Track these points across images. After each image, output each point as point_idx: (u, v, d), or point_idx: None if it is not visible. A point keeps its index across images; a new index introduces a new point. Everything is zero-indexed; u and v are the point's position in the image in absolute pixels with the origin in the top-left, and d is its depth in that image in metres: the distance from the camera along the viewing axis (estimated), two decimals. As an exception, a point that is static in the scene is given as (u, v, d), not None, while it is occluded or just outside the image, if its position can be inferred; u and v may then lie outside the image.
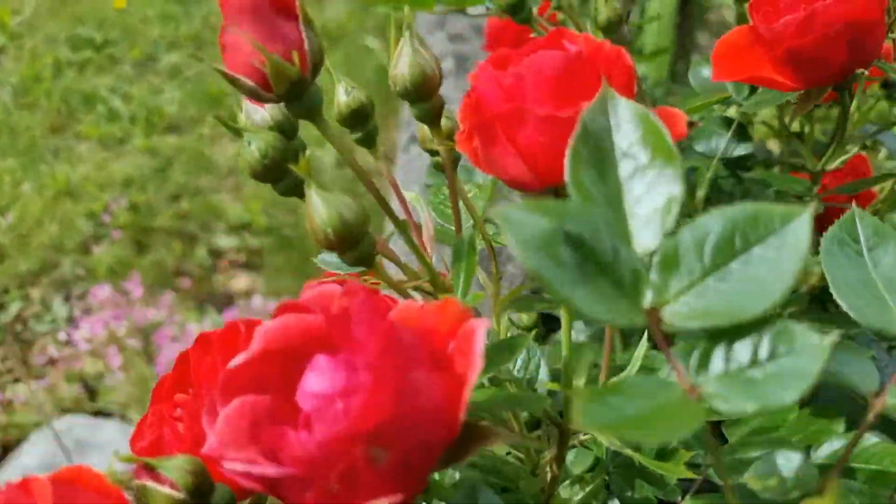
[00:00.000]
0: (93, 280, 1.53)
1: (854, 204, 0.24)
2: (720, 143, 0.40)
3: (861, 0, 0.29)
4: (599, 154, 0.19)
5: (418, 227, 0.30)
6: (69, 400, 1.37)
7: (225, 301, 1.59)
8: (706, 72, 0.41)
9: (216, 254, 1.65)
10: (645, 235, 0.18)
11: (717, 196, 0.41)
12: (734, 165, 0.42)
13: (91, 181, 1.74)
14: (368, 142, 0.29)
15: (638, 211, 0.18)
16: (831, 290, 0.22)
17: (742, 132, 0.41)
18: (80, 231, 1.62)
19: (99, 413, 1.36)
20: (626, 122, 0.19)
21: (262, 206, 1.71)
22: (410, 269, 0.28)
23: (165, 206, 1.72)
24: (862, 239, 0.23)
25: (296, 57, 0.25)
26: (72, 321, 1.46)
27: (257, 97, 0.26)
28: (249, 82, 0.26)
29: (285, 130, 0.29)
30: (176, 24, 2.17)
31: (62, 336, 1.40)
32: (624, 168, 0.19)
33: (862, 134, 0.41)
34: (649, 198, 0.18)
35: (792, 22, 0.30)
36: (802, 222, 0.17)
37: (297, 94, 0.26)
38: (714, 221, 0.18)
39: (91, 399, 1.37)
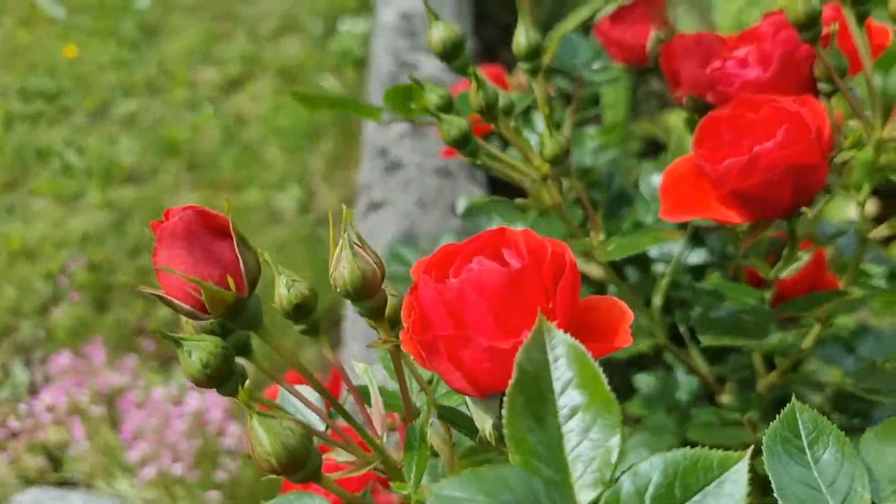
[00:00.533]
0: (53, 343, 1.50)
1: (794, 398, 0.24)
2: (675, 248, 0.40)
3: (802, 144, 0.29)
4: (538, 396, 0.18)
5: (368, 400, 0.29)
6: (33, 471, 1.34)
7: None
8: (656, 181, 0.40)
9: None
10: (586, 492, 0.18)
11: (673, 302, 0.41)
12: (690, 272, 0.42)
13: (47, 240, 1.70)
14: (313, 332, 0.29)
15: (578, 464, 0.18)
16: (776, 494, 0.21)
17: (697, 237, 0.41)
18: (37, 293, 1.58)
19: (64, 483, 1.33)
20: (562, 359, 0.19)
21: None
22: (361, 452, 0.27)
23: (125, 261, 1.69)
24: (803, 434, 0.23)
25: (231, 282, 0.25)
26: (33, 388, 1.43)
27: (196, 318, 0.25)
28: (185, 306, 0.25)
29: (227, 329, 0.28)
30: (130, 71, 2.14)
31: (23, 407, 1.37)
32: (562, 413, 0.18)
33: (818, 234, 0.42)
34: (589, 447, 0.18)
35: (735, 165, 0.30)
36: (739, 473, 0.17)
37: (235, 313, 0.25)
38: (654, 469, 0.18)
39: (55, 469, 1.34)
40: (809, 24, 0.31)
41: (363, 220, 0.79)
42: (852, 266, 0.38)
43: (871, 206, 1.61)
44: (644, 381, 0.53)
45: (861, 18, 0.33)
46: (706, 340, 0.34)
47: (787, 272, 0.38)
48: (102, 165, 1.86)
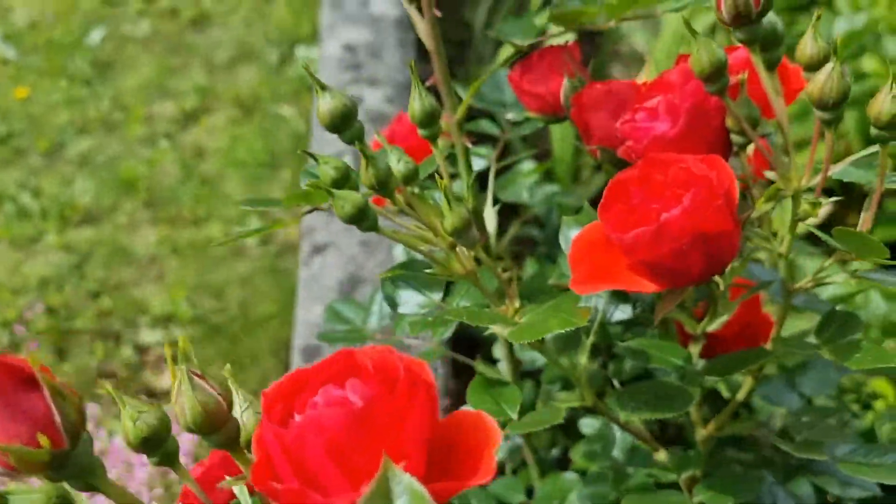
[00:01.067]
0: (11, 396, 1.45)
1: None
2: (599, 304, 0.38)
3: (710, 212, 0.27)
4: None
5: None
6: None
7: (160, 400, 1.52)
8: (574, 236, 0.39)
9: (142, 351, 1.59)
10: None
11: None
12: (621, 325, 0.40)
13: (4, 287, 1.66)
14: (167, 462, 0.26)
15: None
16: None
17: (621, 293, 0.39)
18: (-6, 343, 1.54)
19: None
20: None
21: (187, 294, 1.66)
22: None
23: (85, 305, 1.65)
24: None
25: (44, 439, 0.22)
26: (-9, 443, 1.38)
27: (14, 477, 0.23)
28: (-1, 468, 0.23)
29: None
30: (83, 108, 2.11)
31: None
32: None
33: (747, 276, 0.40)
34: None
35: (642, 235, 0.28)
36: None
37: (58, 466, 0.23)
38: None
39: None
40: (715, 76, 0.29)
41: (307, 265, 0.77)
42: (778, 320, 0.37)
43: (823, 209, 1.61)
44: (588, 426, 0.51)
45: (772, 65, 0.32)
46: (625, 416, 0.32)
47: (714, 326, 0.36)
48: (58, 207, 1.82)
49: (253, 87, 2.18)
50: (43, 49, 2.26)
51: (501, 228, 0.52)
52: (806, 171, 0.32)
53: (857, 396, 0.69)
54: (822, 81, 0.29)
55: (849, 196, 1.68)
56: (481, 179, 0.59)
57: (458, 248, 0.33)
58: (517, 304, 0.35)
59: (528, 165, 0.60)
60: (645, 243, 0.27)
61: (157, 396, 1.52)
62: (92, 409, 1.41)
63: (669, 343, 0.39)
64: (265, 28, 2.41)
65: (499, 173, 0.57)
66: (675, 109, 0.31)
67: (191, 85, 2.19)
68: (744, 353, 0.39)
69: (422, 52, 2.00)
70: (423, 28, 0.42)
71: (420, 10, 0.41)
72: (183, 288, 1.67)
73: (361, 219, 0.31)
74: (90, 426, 1.37)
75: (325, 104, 0.32)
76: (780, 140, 0.33)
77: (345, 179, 0.32)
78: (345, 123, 0.33)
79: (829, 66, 0.29)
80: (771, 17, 0.31)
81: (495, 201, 0.51)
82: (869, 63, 1.43)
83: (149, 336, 1.61)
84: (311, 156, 0.33)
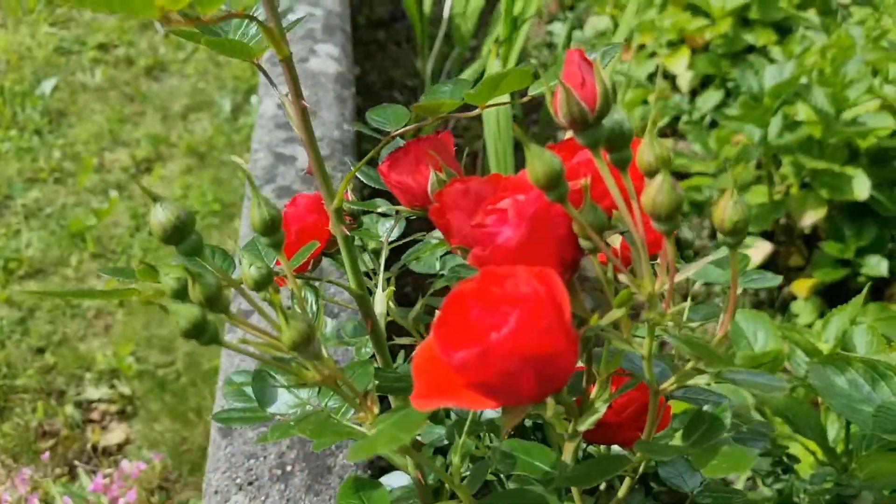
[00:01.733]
0: (-53, 458, 1.40)
1: None
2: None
3: (536, 334, 0.27)
4: None
5: None
6: None
7: (102, 457, 1.48)
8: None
9: (86, 408, 1.55)
10: None
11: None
12: (487, 428, 0.39)
13: (-58, 344, 1.62)
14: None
15: None
16: None
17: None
18: (-70, 405, 1.49)
19: None
20: None
21: (133, 349, 1.62)
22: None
23: (29, 362, 1.61)
24: None
25: None
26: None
27: None
28: None
29: None
30: (33, 159, 2.08)
31: None
32: None
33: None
34: None
35: (469, 358, 0.27)
36: None
37: None
38: None
39: None
40: (552, 184, 0.29)
41: (215, 455, 0.74)
42: (648, 423, 0.36)
43: (760, 251, 1.63)
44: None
45: (622, 163, 0.32)
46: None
47: (586, 426, 0.36)
48: (2, 260, 1.79)
49: (207, 135, 2.18)
50: (-6, 98, 2.24)
51: (413, 300, 0.51)
52: (660, 273, 0.32)
53: (775, 459, 0.69)
54: (652, 195, 0.28)
55: (790, 237, 1.71)
56: (398, 251, 0.59)
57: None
58: (376, 410, 0.34)
59: (437, 235, 0.60)
60: (472, 365, 0.27)
61: (101, 454, 1.48)
62: (28, 472, 1.37)
63: (537, 445, 0.38)
64: (220, 77, 2.41)
65: (413, 244, 0.57)
66: (521, 214, 0.31)
67: (144, 134, 2.18)
68: (606, 459, 0.38)
69: (369, 105, 2.02)
70: (294, 120, 0.41)
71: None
72: (130, 342, 1.64)
73: (199, 333, 0.31)
74: (26, 489, 1.33)
75: (156, 217, 0.31)
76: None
77: (184, 290, 0.31)
78: (178, 236, 0.32)
79: (658, 179, 0.29)
80: (616, 116, 0.31)
81: (406, 274, 0.50)
82: (803, 110, 1.46)
83: (93, 392, 1.57)
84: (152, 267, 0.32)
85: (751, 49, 1.93)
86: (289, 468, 0.71)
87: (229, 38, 0.44)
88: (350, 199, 0.54)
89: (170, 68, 2.48)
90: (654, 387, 0.35)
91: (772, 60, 1.74)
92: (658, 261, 0.35)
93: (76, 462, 1.46)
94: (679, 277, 0.31)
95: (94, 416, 1.56)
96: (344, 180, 0.41)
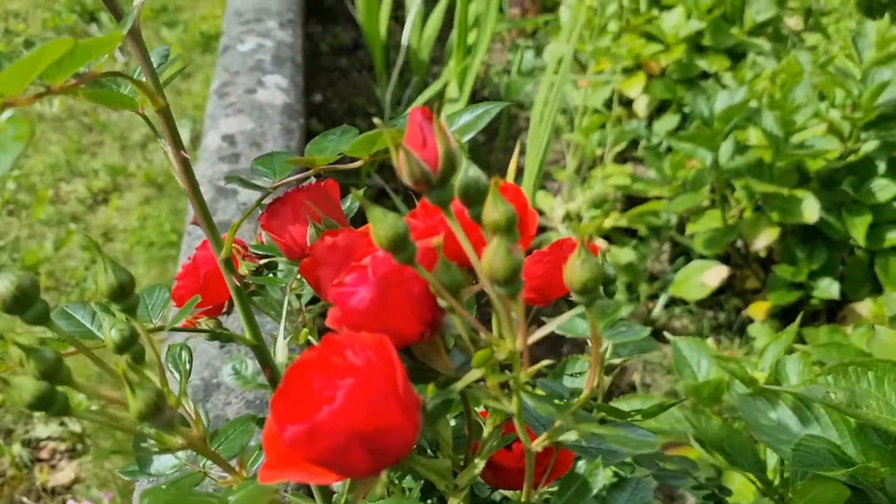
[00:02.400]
0: None
1: None
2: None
3: (366, 408, 0.26)
4: None
5: None
6: None
7: (50, 497, 1.45)
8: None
9: (35, 447, 1.51)
10: None
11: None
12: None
13: None
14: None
15: None
16: None
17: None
18: None
19: None
20: None
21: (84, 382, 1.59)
22: None
23: (-26, 400, 1.57)
24: None
25: None
26: None
27: None
28: None
29: None
30: (-13, 191, 2.05)
31: None
32: None
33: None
34: None
35: (298, 434, 0.26)
36: None
37: None
38: None
39: None
40: (398, 247, 0.28)
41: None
42: (525, 489, 0.35)
43: (716, 274, 1.64)
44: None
45: (480, 220, 0.31)
46: None
47: (466, 482, 0.35)
48: (-48, 296, 1.75)
49: (165, 165, 2.16)
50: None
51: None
52: (519, 331, 0.31)
53: (706, 493, 0.68)
54: (488, 259, 0.27)
55: (746, 260, 1.72)
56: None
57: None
58: (245, 474, 0.33)
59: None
60: (301, 442, 0.26)
61: (50, 494, 1.44)
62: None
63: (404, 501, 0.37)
64: (180, 105, 2.40)
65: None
66: (374, 274, 0.30)
67: (102, 164, 2.15)
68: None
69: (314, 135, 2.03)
70: (175, 169, 0.40)
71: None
72: (81, 379, 1.60)
73: (46, 405, 0.29)
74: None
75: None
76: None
77: (131, 342, 0.30)
78: (20, 307, 0.31)
79: (493, 244, 0.28)
80: (471, 173, 0.30)
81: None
82: (754, 134, 1.47)
83: (42, 430, 1.53)
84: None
85: (705, 75, 1.95)
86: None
87: (109, 92, 0.43)
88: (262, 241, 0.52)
89: (130, 97, 2.46)
90: (526, 444, 0.33)
91: (724, 86, 1.76)
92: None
93: (24, 501, 1.42)
94: (537, 335, 0.30)
95: (44, 454, 1.52)
96: (230, 231, 0.40)
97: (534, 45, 2.60)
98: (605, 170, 1.90)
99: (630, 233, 1.97)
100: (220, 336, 0.44)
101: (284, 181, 0.41)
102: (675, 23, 1.93)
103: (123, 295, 0.33)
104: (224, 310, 0.56)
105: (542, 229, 2.04)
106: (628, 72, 2.00)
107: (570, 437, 0.33)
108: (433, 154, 0.28)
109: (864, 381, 0.54)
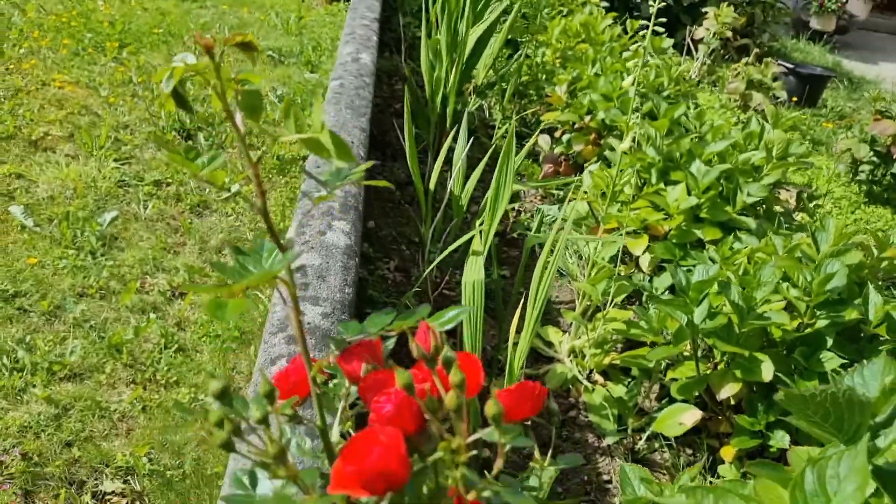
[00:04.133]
0: (-21, 531, 1.65)
1: None
2: None
3: (384, 462, 0.57)
4: None
5: None
6: None
7: (107, 544, 1.72)
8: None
9: (101, 499, 1.80)
10: None
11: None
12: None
13: (-12, 431, 1.90)
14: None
15: None
16: None
17: None
18: (-28, 483, 1.76)
19: None
20: None
21: (148, 451, 1.90)
22: None
23: (58, 454, 1.88)
24: None
25: None
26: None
27: None
28: None
29: None
30: (86, 276, 2.43)
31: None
32: None
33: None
34: None
35: (353, 470, 0.57)
36: None
37: None
38: None
39: None
40: (407, 388, 0.60)
41: None
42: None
43: (691, 417, 1.90)
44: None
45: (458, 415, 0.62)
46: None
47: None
48: (48, 362, 2.09)
49: (235, 268, 2.53)
50: (58, 221, 2.62)
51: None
52: (464, 433, 0.61)
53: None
54: (449, 400, 0.59)
55: (720, 407, 1.98)
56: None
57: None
58: (314, 495, 0.63)
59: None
60: (354, 474, 0.56)
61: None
62: (49, 549, 1.61)
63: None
64: (255, 219, 2.80)
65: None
66: (396, 398, 0.61)
67: (182, 262, 2.53)
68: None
69: (379, 254, 2.39)
70: (293, 324, 0.73)
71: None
72: (146, 444, 1.91)
73: (227, 447, 0.61)
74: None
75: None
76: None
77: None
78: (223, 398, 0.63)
79: (451, 393, 0.59)
80: (447, 354, 0.61)
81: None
82: (726, 302, 1.77)
83: (109, 485, 1.83)
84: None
85: (701, 242, 2.28)
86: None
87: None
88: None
89: (212, 206, 2.88)
90: (465, 493, 0.64)
91: (712, 258, 2.07)
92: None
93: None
94: (471, 439, 0.61)
95: (108, 506, 1.81)
96: (315, 366, 0.72)
97: (563, 197, 2.97)
98: (607, 315, 2.21)
99: (626, 371, 2.25)
100: (300, 419, 0.76)
101: (354, 338, 0.73)
102: (677, 196, 2.27)
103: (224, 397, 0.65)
104: (300, 403, 0.88)
105: (549, 360, 2.34)
106: (636, 234, 2.34)
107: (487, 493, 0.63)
108: (428, 345, 0.60)
109: (707, 500, 0.83)
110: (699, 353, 1.93)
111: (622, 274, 2.25)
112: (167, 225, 2.73)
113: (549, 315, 2.56)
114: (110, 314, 2.32)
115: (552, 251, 1.76)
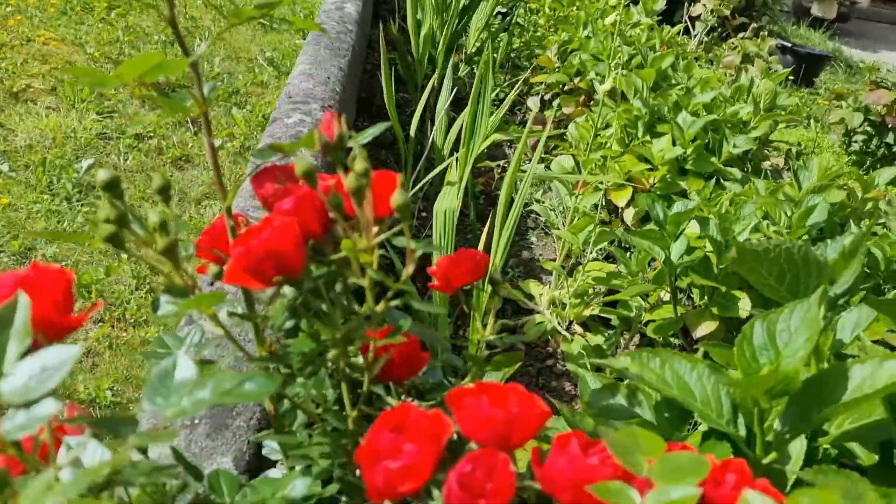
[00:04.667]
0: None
1: None
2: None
3: (274, 242, 0.52)
4: None
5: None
6: None
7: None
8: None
9: (61, 430, 1.76)
10: None
11: None
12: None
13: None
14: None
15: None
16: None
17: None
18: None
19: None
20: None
21: (111, 384, 1.85)
22: None
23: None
24: None
25: None
26: None
27: None
28: None
29: None
30: (59, 221, 2.39)
31: None
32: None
33: None
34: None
35: (240, 251, 0.53)
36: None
37: None
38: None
39: None
40: (308, 178, 0.55)
41: None
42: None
43: None
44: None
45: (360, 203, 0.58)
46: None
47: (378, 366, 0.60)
48: (16, 301, 2.05)
49: (213, 218, 2.49)
50: (34, 167, 2.58)
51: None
52: (369, 227, 0.57)
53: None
54: (349, 182, 0.54)
55: (692, 346, 1.92)
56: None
57: None
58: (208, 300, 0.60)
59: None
60: (241, 256, 0.52)
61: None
62: None
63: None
64: (237, 173, 2.76)
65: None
66: (295, 194, 0.57)
67: (160, 211, 2.49)
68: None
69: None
70: (207, 151, 0.68)
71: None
72: (110, 378, 1.87)
73: (113, 241, 0.57)
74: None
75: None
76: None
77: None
78: (112, 190, 0.59)
79: (351, 175, 0.55)
80: (358, 165, 0.57)
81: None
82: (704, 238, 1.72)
83: (69, 418, 1.79)
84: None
85: (685, 193, 2.23)
86: (196, 421, 0.93)
87: (169, 99, 0.72)
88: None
89: (194, 160, 2.84)
90: (371, 304, 0.59)
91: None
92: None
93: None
94: (379, 238, 0.57)
95: (67, 440, 1.77)
96: (233, 189, 0.67)
97: (550, 159, 2.93)
98: (587, 265, 2.16)
99: (606, 323, 2.20)
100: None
101: (272, 161, 0.69)
102: (662, 147, 2.23)
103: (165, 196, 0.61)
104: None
105: (529, 312, 2.29)
106: (620, 186, 2.30)
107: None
108: (332, 133, 0.56)
109: (653, 362, 0.78)
110: (678, 298, 1.88)
111: (604, 222, 2.20)
112: (147, 177, 2.69)
113: (532, 272, 2.52)
114: (83, 256, 2.28)
115: (522, 170, 1.71)
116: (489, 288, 1.29)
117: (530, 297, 2.32)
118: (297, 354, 0.60)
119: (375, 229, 0.57)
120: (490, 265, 0.92)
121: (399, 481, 0.47)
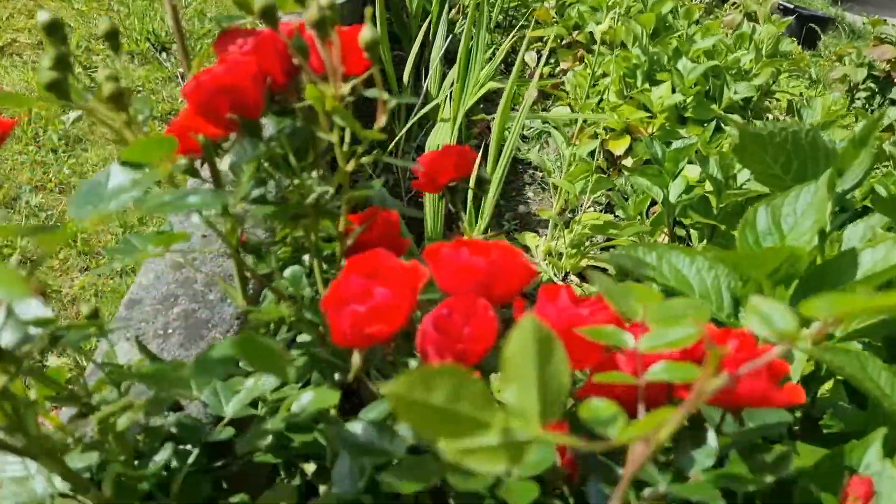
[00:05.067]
0: None
1: None
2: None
3: (229, 77, 0.47)
4: None
5: None
6: None
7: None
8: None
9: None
10: None
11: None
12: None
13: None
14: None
15: None
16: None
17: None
18: None
19: None
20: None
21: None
22: None
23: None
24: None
25: None
26: None
27: None
28: None
29: None
30: (45, 171, 2.34)
31: None
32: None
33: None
34: None
35: (190, 86, 0.47)
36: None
37: None
38: None
39: None
40: (269, 18, 0.50)
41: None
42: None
43: None
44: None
45: (324, 38, 0.52)
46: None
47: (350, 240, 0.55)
48: (-1, 251, 2.01)
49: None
50: (20, 119, 2.52)
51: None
52: (336, 80, 0.52)
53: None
54: (309, 16, 0.49)
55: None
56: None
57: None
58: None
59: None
60: (192, 93, 0.47)
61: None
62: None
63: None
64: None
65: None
66: (255, 37, 0.52)
67: (147, 163, 2.43)
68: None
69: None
70: (168, 14, 0.63)
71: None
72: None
73: (55, 89, 0.51)
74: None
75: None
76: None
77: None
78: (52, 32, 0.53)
79: (311, 8, 0.50)
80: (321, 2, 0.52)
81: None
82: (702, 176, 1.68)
83: (54, 362, 1.74)
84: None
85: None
86: (170, 331, 0.89)
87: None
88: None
89: (183, 115, 2.78)
90: (340, 153, 0.54)
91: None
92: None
93: None
94: (346, 88, 0.52)
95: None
96: (199, 54, 0.62)
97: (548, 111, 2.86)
98: (584, 216, 2.11)
99: (603, 273, 2.16)
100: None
101: (239, 23, 0.64)
102: (661, 94, 2.17)
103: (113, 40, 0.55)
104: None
105: (524, 263, 2.24)
106: (618, 134, 2.24)
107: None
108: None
109: (649, 257, 0.73)
110: (676, 244, 1.83)
111: (602, 170, 2.15)
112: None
113: (529, 225, 2.47)
114: (67, 207, 2.22)
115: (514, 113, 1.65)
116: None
117: (526, 248, 2.27)
118: (264, 223, 0.56)
119: (342, 74, 0.52)
120: (476, 161, 0.87)
121: (367, 322, 0.42)
